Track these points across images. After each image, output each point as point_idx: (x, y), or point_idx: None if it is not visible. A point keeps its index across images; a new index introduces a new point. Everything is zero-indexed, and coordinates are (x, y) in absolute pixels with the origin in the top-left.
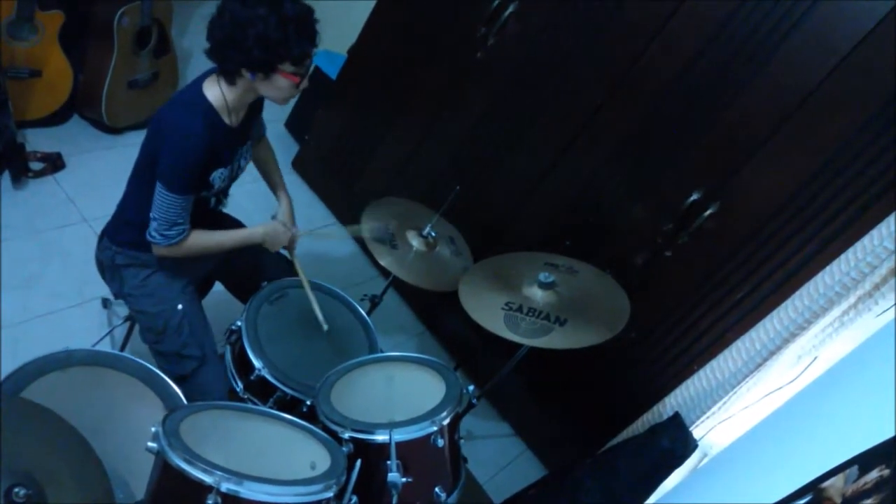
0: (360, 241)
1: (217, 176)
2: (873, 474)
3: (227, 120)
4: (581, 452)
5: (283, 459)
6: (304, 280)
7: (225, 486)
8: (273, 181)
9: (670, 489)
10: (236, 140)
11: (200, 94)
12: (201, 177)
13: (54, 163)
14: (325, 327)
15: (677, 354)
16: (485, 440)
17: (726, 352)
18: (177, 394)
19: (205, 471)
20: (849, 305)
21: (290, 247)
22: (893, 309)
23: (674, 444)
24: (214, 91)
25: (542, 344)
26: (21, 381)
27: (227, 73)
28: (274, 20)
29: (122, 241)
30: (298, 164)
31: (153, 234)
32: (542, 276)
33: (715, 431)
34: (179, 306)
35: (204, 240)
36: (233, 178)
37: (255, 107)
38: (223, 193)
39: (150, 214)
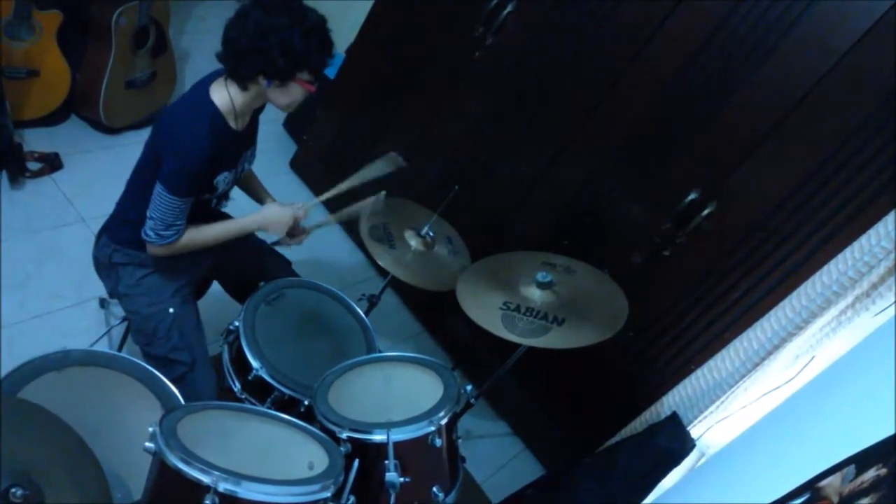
0: (359, 242)
1: (221, 179)
2: (870, 473)
3: (233, 124)
4: (579, 452)
5: (280, 459)
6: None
7: (222, 486)
8: (256, 192)
9: (668, 488)
10: (241, 144)
11: (207, 98)
12: (205, 180)
13: (52, 163)
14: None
15: (675, 354)
16: (483, 440)
17: (724, 351)
18: (174, 394)
19: (202, 471)
20: (846, 305)
21: (296, 231)
22: (891, 308)
23: (672, 443)
24: (222, 95)
25: (540, 343)
26: (18, 381)
27: (241, 77)
28: (299, 30)
29: (122, 239)
30: (296, 165)
31: (148, 232)
32: (540, 276)
33: (713, 431)
34: (171, 310)
35: (198, 236)
36: (236, 180)
37: (259, 111)
38: (225, 196)
39: (147, 213)
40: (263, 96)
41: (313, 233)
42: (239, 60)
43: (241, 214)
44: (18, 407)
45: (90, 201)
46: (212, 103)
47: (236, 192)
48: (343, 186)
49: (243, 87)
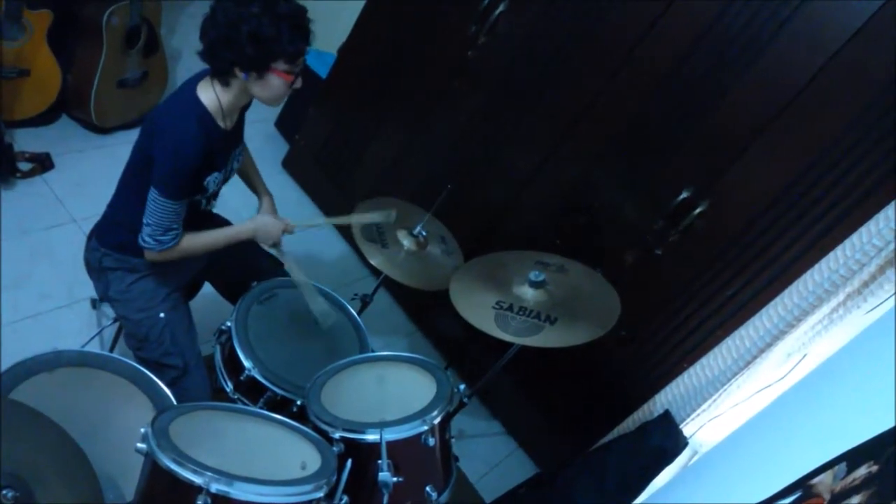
0: (352, 241)
1: (211, 180)
2: (862, 471)
3: (221, 123)
4: (572, 450)
5: (273, 460)
6: (299, 276)
7: (215, 487)
8: (254, 183)
9: (661, 486)
10: (230, 143)
11: (195, 98)
12: (196, 181)
13: (43, 163)
14: (327, 323)
15: (667, 352)
16: (476, 439)
17: (716, 349)
18: (166, 395)
19: (194, 471)
20: (838, 303)
21: (278, 242)
22: (882, 305)
23: (664, 441)
24: (209, 94)
25: (533, 342)
26: (10, 382)
27: (221, 73)
28: (267, 18)
29: (111, 243)
30: (289, 164)
31: (146, 239)
32: (533, 275)
33: (705, 429)
34: (162, 314)
35: (196, 242)
36: (225, 180)
37: (245, 109)
38: (214, 196)
39: (143, 220)
40: (247, 92)
41: (306, 231)
42: (214, 54)
43: (231, 215)
44: (9, 408)
45: (82, 201)
46: (200, 103)
47: (227, 193)
48: (335, 220)
49: (225, 83)
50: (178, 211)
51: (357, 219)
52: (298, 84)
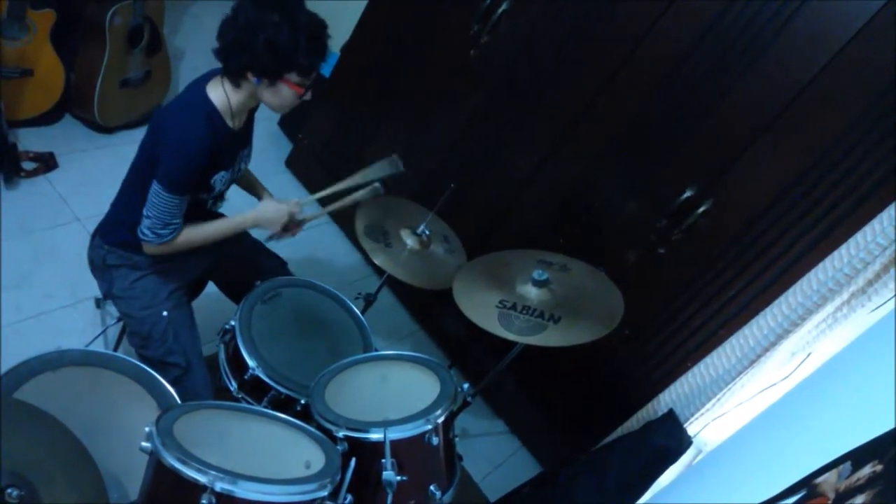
0: (355, 240)
1: (218, 179)
2: (866, 470)
3: (230, 123)
4: (576, 450)
5: (277, 459)
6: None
7: (219, 486)
8: (255, 190)
9: (665, 486)
10: (238, 143)
11: (204, 96)
12: (202, 179)
13: (47, 162)
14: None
15: (671, 351)
16: (480, 438)
17: (720, 348)
18: (171, 393)
19: (199, 470)
20: (842, 302)
21: (290, 224)
22: (886, 304)
23: (668, 440)
24: (218, 93)
25: (537, 341)
26: (14, 381)
27: (232, 74)
28: (287, 28)
29: (115, 240)
30: (292, 163)
31: (145, 231)
32: (536, 274)
33: (709, 428)
34: (165, 313)
35: (195, 234)
36: (233, 180)
37: (254, 111)
38: (221, 196)
39: (144, 212)
40: (256, 95)
41: (309, 231)
42: (228, 55)
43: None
44: (14, 407)
45: (85, 201)
46: (209, 101)
47: (232, 194)
48: (340, 186)
49: (235, 84)
50: (179, 206)
51: (364, 175)
52: (308, 96)
